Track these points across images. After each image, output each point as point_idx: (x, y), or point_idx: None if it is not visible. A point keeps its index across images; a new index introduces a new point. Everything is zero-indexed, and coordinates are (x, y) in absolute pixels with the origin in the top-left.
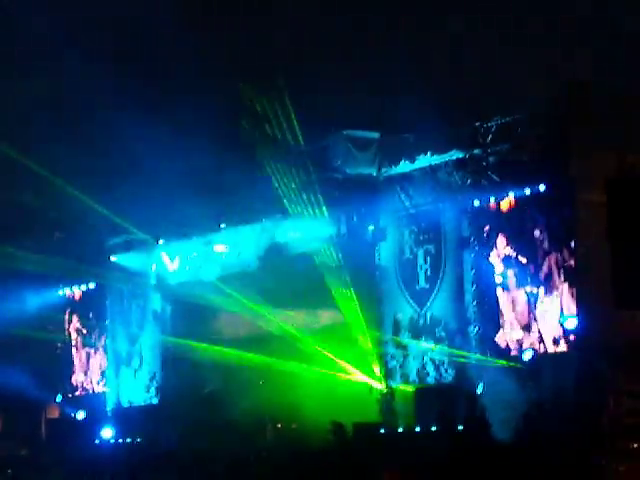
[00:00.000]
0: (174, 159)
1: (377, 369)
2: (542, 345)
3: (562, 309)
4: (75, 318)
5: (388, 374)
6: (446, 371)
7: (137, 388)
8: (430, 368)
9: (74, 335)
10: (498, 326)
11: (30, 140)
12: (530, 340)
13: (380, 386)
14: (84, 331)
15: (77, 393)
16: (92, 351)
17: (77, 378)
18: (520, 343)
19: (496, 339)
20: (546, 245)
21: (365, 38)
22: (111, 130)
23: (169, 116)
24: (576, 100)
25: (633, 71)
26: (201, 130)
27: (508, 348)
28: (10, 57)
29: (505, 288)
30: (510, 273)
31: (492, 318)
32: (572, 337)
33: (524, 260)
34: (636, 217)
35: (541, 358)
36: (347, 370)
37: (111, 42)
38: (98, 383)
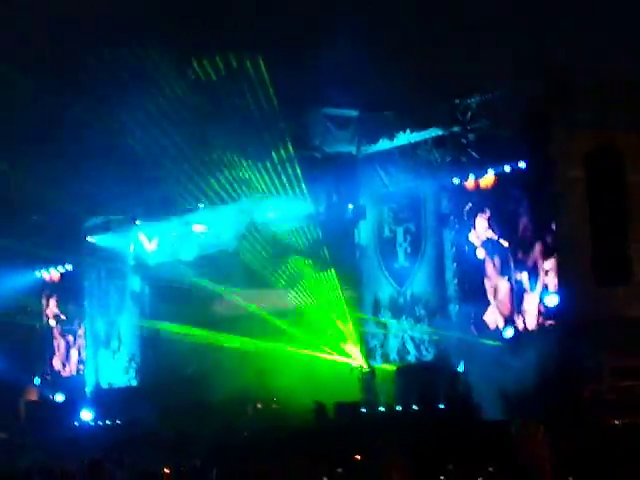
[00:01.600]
0: (152, 139)
1: (357, 348)
2: (523, 322)
3: (543, 286)
4: (53, 300)
5: (369, 353)
6: (427, 350)
7: (116, 370)
8: (410, 347)
9: (52, 317)
10: (479, 304)
11: (4, 121)
12: (511, 317)
13: (361, 365)
14: (62, 313)
15: (56, 375)
16: (70, 333)
17: (55, 360)
18: (501, 320)
19: (477, 317)
20: (526, 222)
21: (343, 15)
22: (88, 110)
23: (146, 95)
24: (555, 82)
25: (612, 52)
26: (179, 109)
27: (489, 326)
28: None
29: (485, 266)
30: (490, 250)
31: (473, 296)
32: (553, 314)
33: (504, 237)
34: (615, 191)
35: (522, 335)
36: (327, 350)
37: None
38: (77, 365)
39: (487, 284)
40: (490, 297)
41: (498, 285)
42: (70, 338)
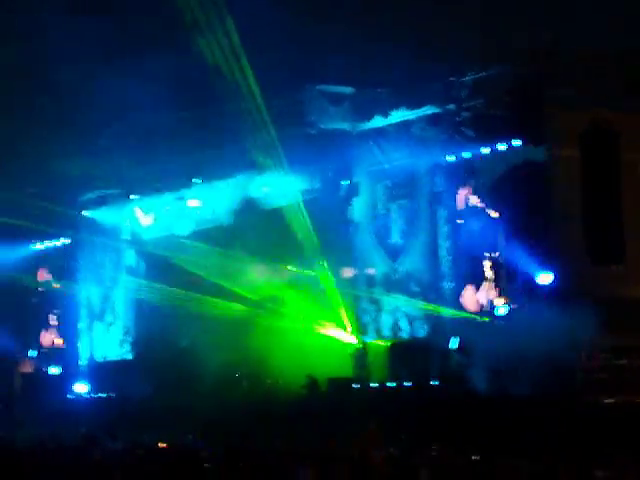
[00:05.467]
0: (147, 113)
1: (350, 324)
2: (516, 300)
3: (537, 264)
4: (48, 273)
5: (361, 329)
6: (420, 326)
7: (111, 343)
8: (404, 323)
9: (47, 290)
10: (472, 280)
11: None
12: (504, 295)
13: (354, 341)
14: (57, 286)
15: (51, 348)
16: (65, 306)
17: (50, 333)
18: (494, 297)
19: (470, 293)
20: (520, 201)
21: None
22: (84, 84)
23: (142, 69)
24: (549, 61)
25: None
26: (174, 84)
27: (482, 303)
28: None
29: (478, 243)
30: (483, 228)
31: (466, 273)
32: (547, 292)
33: (498, 215)
34: (609, 169)
35: (515, 313)
36: (321, 325)
37: None
38: (71, 338)
39: (480, 261)
40: (483, 274)
41: (491, 262)
42: (65, 311)
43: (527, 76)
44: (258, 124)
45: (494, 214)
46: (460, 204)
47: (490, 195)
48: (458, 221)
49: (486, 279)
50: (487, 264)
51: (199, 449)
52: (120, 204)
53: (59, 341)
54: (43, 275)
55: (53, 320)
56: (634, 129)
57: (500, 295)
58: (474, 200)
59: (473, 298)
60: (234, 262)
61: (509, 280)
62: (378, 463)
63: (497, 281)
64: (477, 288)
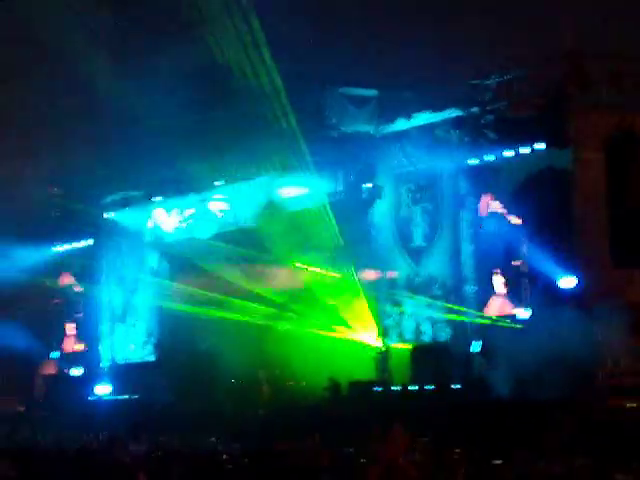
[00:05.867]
0: (171, 115)
1: (373, 327)
2: (539, 304)
3: (560, 268)
4: (70, 275)
5: (384, 332)
6: (442, 329)
7: (134, 345)
8: (426, 326)
9: (69, 292)
10: (495, 284)
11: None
12: (526, 298)
13: (376, 344)
14: (79, 288)
15: (73, 350)
16: (87, 308)
17: (70, 339)
18: (517, 301)
19: (493, 297)
20: (543, 204)
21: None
22: (107, 84)
23: (166, 70)
24: (574, 64)
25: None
26: (199, 85)
27: (505, 306)
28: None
29: (501, 246)
30: (507, 231)
31: (489, 276)
32: (569, 296)
33: (521, 219)
34: (633, 173)
35: (537, 317)
36: (343, 328)
37: None
38: (93, 340)
39: (502, 264)
40: (505, 277)
41: (514, 266)
42: (87, 313)
43: (552, 78)
44: (282, 126)
45: (516, 220)
46: (483, 208)
47: (513, 199)
48: (481, 225)
49: (509, 281)
50: (509, 267)
51: (221, 451)
52: (143, 206)
53: (79, 346)
54: (66, 278)
55: (71, 329)
56: None
57: (521, 298)
58: (496, 205)
59: (496, 302)
60: (257, 264)
61: (532, 284)
62: (405, 467)
63: (519, 284)
64: (499, 292)
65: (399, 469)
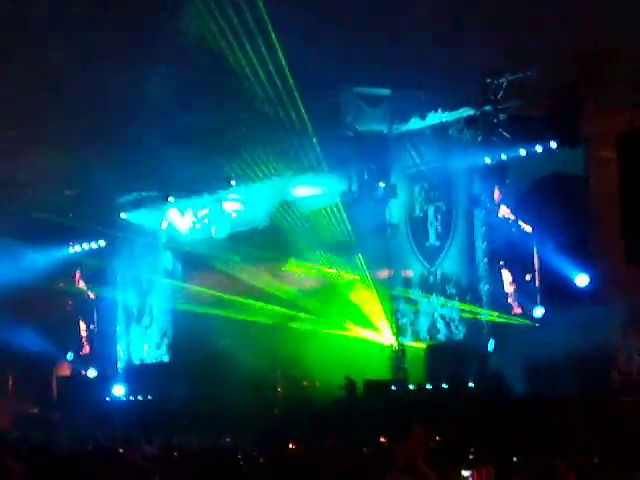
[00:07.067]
0: (186, 115)
1: (388, 326)
2: (553, 302)
3: (573, 266)
4: (85, 276)
5: (399, 331)
6: (457, 328)
7: (148, 346)
8: (441, 325)
9: (84, 293)
10: (509, 282)
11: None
12: (541, 296)
13: (391, 343)
14: (94, 289)
15: (88, 351)
16: (102, 309)
17: (88, 336)
18: (531, 300)
19: (507, 296)
20: (557, 202)
21: None
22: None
23: (180, 71)
24: (588, 62)
25: None
26: (213, 85)
27: (519, 305)
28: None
29: (515, 245)
30: (520, 229)
31: (503, 275)
32: (583, 293)
33: (534, 216)
34: None
35: (552, 315)
36: (357, 327)
37: None
38: (109, 341)
39: (515, 262)
40: (519, 275)
41: (528, 264)
42: (102, 314)
43: (565, 76)
44: (296, 126)
45: (529, 218)
46: (496, 206)
47: (526, 197)
48: (494, 223)
49: (523, 279)
50: (523, 265)
51: (236, 451)
52: (157, 206)
53: (94, 348)
54: (80, 279)
55: (86, 331)
56: None
57: (536, 296)
58: (510, 201)
59: (511, 300)
60: (271, 264)
61: (546, 281)
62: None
63: (533, 282)
64: (513, 290)
65: (417, 472)
